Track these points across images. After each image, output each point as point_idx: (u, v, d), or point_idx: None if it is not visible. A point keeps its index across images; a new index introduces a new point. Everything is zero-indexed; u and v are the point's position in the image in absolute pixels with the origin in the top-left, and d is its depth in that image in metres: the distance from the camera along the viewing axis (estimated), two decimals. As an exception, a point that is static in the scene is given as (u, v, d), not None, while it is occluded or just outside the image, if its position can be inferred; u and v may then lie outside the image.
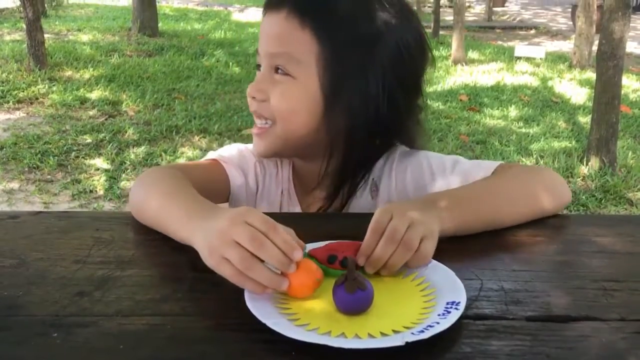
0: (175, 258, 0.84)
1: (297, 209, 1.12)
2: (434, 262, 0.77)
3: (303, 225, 0.78)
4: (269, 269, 0.69)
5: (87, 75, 6.90)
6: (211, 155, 1.12)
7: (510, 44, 11.29)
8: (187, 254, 0.84)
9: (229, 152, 1.12)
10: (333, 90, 0.99)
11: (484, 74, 8.18)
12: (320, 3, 1.00)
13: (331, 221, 1.03)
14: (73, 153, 4.65)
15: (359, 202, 1.08)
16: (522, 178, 1.00)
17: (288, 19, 0.98)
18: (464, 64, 8.72)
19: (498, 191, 0.96)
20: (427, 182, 1.04)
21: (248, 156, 1.12)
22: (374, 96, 0.99)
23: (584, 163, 4.61)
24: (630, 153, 4.91)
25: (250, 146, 1.15)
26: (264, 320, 0.64)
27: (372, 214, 0.79)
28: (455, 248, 0.81)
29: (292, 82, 0.99)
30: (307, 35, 0.98)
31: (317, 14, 0.98)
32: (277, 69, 1.00)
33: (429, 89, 6.72)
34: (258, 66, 1.05)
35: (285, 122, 1.01)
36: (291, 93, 1.00)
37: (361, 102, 1.00)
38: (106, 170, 4.36)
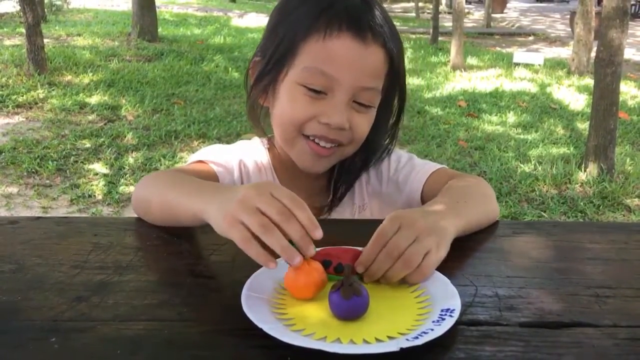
0: (173, 264, 0.85)
1: None
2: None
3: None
4: (285, 239, 0.70)
5: (86, 80, 6.91)
6: (196, 157, 1.12)
7: (509, 50, 11.33)
8: (185, 259, 0.85)
9: (212, 153, 1.13)
10: (384, 111, 1.09)
11: (483, 80, 8.20)
12: (395, 37, 1.04)
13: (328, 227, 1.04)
14: (72, 158, 4.66)
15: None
16: (479, 185, 1.08)
17: (380, 54, 1.01)
18: (462, 70, 8.75)
19: (478, 196, 1.02)
20: (384, 172, 1.17)
21: (230, 155, 1.14)
22: (397, 108, 1.12)
23: (582, 169, 4.62)
24: (628, 159, 4.92)
25: (229, 145, 1.18)
26: (260, 325, 0.64)
27: (371, 221, 0.80)
28: (450, 254, 0.81)
29: (372, 110, 1.05)
30: (386, 68, 1.03)
31: (393, 46, 1.03)
32: (358, 101, 1.02)
33: (428, 94, 6.75)
34: (313, 90, 1.00)
35: (358, 144, 1.07)
36: (372, 120, 1.06)
37: (390, 115, 1.11)
38: (105, 175, 4.37)
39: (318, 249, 0.78)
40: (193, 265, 0.84)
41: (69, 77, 6.99)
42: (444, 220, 0.85)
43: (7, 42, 8.85)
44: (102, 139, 5.05)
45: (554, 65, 9.43)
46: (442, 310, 0.69)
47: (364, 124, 1.04)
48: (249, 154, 1.16)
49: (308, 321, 0.69)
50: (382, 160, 1.17)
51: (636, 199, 4.24)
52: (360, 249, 0.79)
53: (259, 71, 1.07)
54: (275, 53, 1.03)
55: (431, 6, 11.84)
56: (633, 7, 17.21)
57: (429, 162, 1.17)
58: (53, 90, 6.43)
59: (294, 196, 0.73)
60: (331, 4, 1.00)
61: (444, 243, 0.80)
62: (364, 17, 0.99)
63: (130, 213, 4.04)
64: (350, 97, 1.00)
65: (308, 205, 1.13)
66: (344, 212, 1.16)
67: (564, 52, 11.19)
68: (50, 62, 7.28)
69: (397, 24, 1.22)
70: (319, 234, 0.70)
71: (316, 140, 1.02)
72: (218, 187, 0.85)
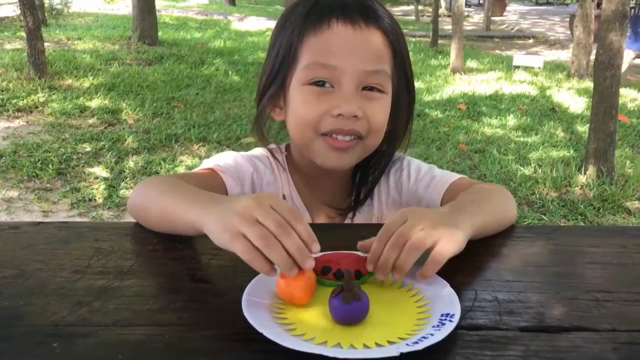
0: (174, 269, 0.85)
1: (305, 212, 1.14)
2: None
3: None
4: (285, 253, 0.70)
5: (86, 84, 6.92)
6: (207, 164, 1.12)
7: (509, 53, 11.35)
8: (186, 264, 0.86)
9: (224, 161, 1.12)
10: (396, 101, 1.08)
11: (483, 83, 8.21)
12: (391, 21, 1.04)
13: (335, 231, 1.04)
14: (72, 161, 4.66)
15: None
16: (499, 189, 1.08)
17: (377, 36, 1.01)
18: (462, 73, 8.76)
19: (494, 197, 1.02)
20: (404, 182, 1.16)
21: (244, 165, 1.13)
22: (409, 103, 1.11)
23: (582, 172, 4.63)
24: (628, 162, 4.93)
25: (245, 154, 1.16)
26: (261, 330, 0.65)
27: (378, 225, 0.80)
28: (450, 259, 0.82)
29: (385, 97, 1.04)
30: (389, 51, 1.03)
31: (391, 29, 1.03)
32: (369, 87, 1.01)
33: (428, 97, 6.74)
34: (317, 83, 1.00)
35: (378, 136, 1.06)
36: (387, 108, 1.05)
37: (405, 109, 1.10)
38: (105, 179, 4.37)
39: (318, 255, 0.79)
40: (194, 270, 0.84)
41: (69, 81, 7.00)
42: (456, 216, 0.84)
43: (7, 46, 8.86)
44: (102, 143, 5.06)
45: (553, 68, 9.44)
46: (442, 315, 0.69)
47: (378, 111, 1.03)
48: (264, 163, 1.15)
49: (308, 326, 0.69)
50: (402, 171, 1.16)
51: (636, 202, 4.25)
52: (359, 253, 0.79)
53: (263, 83, 1.08)
54: (276, 64, 1.05)
55: (431, 9, 11.86)
56: (632, 10, 17.23)
57: (448, 172, 1.16)
58: (53, 94, 6.43)
59: (293, 209, 0.73)
60: (317, 2, 1.02)
61: (457, 233, 0.79)
62: (350, 4, 1.00)
63: (129, 217, 4.03)
64: (357, 83, 1.00)
65: (330, 211, 1.14)
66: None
67: (564, 55, 11.20)
68: (51, 66, 7.29)
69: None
70: (316, 247, 0.71)
71: (334, 136, 1.02)
72: (214, 197, 0.85)
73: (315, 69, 1.00)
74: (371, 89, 1.02)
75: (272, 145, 1.17)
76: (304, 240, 0.71)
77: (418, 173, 1.15)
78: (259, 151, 1.18)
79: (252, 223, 0.71)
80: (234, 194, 1.08)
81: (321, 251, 0.80)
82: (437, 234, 0.76)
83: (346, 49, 0.99)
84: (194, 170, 1.13)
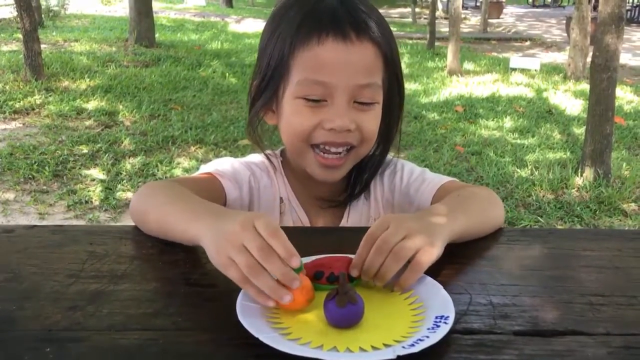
0: (168, 273, 0.85)
1: (302, 213, 1.15)
2: (423, 275, 0.78)
3: (300, 239, 0.79)
4: (273, 280, 0.70)
5: (83, 86, 6.91)
6: (205, 168, 1.12)
7: (506, 55, 11.37)
8: (180, 268, 0.86)
9: (223, 166, 1.13)
10: (388, 103, 1.08)
11: (479, 85, 8.23)
12: (382, 28, 1.03)
13: (332, 234, 1.05)
14: (69, 163, 4.66)
15: (357, 202, 1.17)
16: (486, 192, 1.09)
17: (369, 48, 1.00)
18: (459, 75, 8.77)
19: (479, 200, 1.03)
20: (397, 184, 1.17)
21: (241, 170, 1.14)
22: (400, 102, 1.12)
23: (579, 174, 4.63)
24: (624, 164, 4.94)
25: (242, 160, 1.17)
26: (256, 335, 0.65)
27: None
28: (444, 262, 0.82)
29: (377, 106, 1.05)
30: (381, 61, 1.03)
31: (382, 38, 1.02)
32: (360, 102, 1.01)
33: (425, 99, 6.75)
34: (312, 100, 1.00)
35: (370, 144, 1.07)
36: (378, 116, 1.06)
37: (396, 108, 1.11)
38: (102, 181, 4.37)
39: (310, 260, 0.79)
40: (188, 274, 0.84)
41: (66, 83, 6.99)
42: (437, 222, 0.85)
43: (4, 48, 8.85)
44: (99, 145, 5.05)
45: (550, 70, 9.46)
46: (436, 317, 0.69)
47: (370, 121, 1.04)
48: (260, 168, 1.16)
49: (304, 330, 0.69)
50: (396, 174, 1.18)
51: (632, 204, 4.26)
52: (350, 256, 0.79)
53: (255, 88, 1.08)
54: (268, 73, 1.05)
55: (428, 12, 11.87)
56: (629, 12, 17.30)
57: (440, 175, 1.16)
58: (50, 95, 6.42)
59: (269, 225, 0.73)
60: (308, 13, 1.01)
61: (436, 243, 0.80)
62: (342, 17, 1.00)
63: (126, 219, 4.05)
64: (349, 97, 1.00)
65: (327, 211, 1.15)
66: (360, 225, 1.16)
67: (560, 57, 11.23)
68: (48, 68, 7.28)
69: (394, 29, 1.22)
70: (295, 262, 0.71)
71: (326, 148, 1.03)
72: (212, 212, 0.85)
73: (309, 86, 1.00)
74: (361, 99, 1.02)
75: (268, 151, 1.18)
76: (282, 257, 0.71)
77: (410, 176, 1.17)
78: (255, 157, 1.19)
79: (240, 250, 0.72)
80: (232, 197, 1.09)
81: (315, 255, 0.80)
82: (419, 243, 0.78)
83: (338, 65, 0.98)
84: (193, 175, 1.14)
